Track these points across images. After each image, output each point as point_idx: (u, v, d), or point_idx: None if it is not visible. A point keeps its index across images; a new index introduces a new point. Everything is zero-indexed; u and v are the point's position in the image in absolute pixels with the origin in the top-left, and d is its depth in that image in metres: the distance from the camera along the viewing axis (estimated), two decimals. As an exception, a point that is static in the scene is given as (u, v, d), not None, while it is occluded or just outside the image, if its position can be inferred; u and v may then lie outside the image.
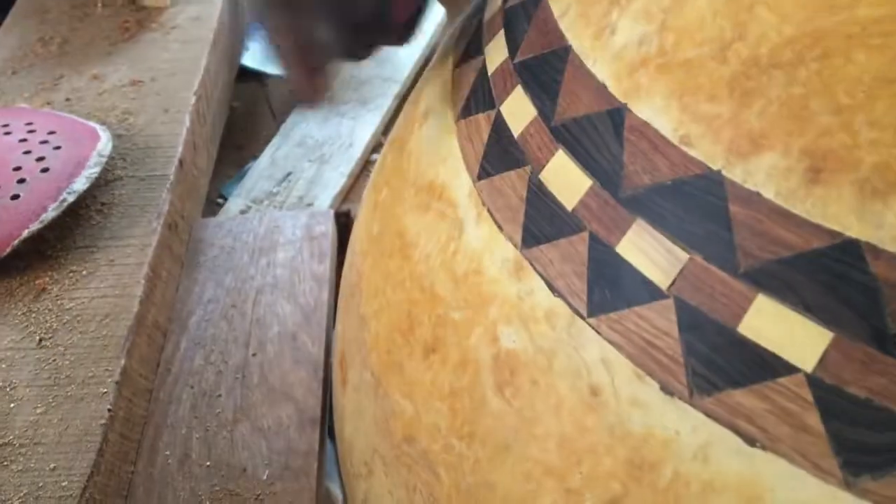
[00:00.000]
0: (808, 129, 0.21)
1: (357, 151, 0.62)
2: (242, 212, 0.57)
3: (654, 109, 0.24)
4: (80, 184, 0.45)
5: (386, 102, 0.67)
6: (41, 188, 0.45)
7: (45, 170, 0.46)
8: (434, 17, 0.77)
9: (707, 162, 0.22)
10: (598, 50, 0.27)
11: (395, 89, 0.68)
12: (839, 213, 0.20)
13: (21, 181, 0.45)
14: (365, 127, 0.64)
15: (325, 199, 0.58)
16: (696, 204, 0.22)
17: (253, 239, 0.51)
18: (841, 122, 0.21)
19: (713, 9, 0.24)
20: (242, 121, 0.68)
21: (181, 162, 0.50)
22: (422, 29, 0.74)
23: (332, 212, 0.52)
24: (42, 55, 0.58)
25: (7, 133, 0.48)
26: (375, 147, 0.64)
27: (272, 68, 0.74)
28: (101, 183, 0.48)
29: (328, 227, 0.50)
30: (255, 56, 0.75)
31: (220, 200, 0.59)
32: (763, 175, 0.21)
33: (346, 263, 0.42)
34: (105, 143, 0.48)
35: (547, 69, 0.28)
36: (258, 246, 0.50)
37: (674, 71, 0.24)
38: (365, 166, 0.62)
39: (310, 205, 0.58)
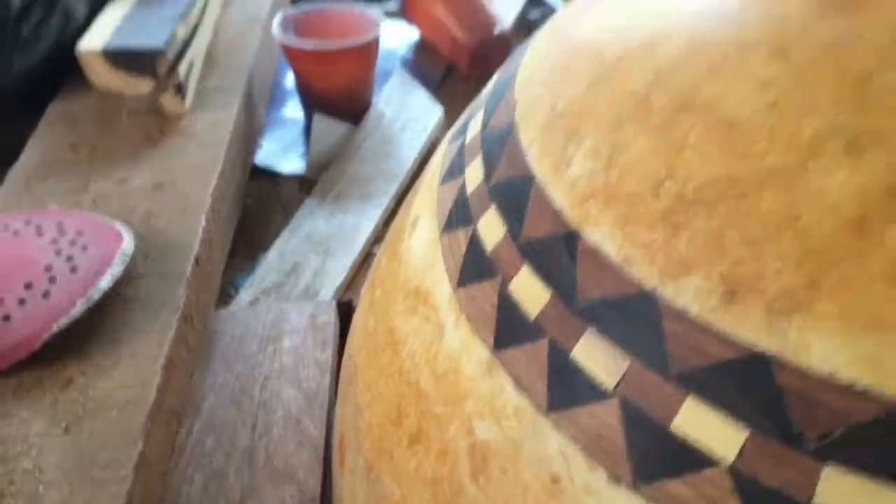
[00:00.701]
0: (725, 257, 0.24)
1: (359, 245, 0.65)
2: (252, 302, 0.60)
3: (601, 235, 0.28)
4: (106, 282, 0.49)
5: (387, 198, 0.71)
6: (70, 286, 0.48)
7: (73, 269, 0.49)
8: (433, 117, 0.81)
9: (644, 282, 0.26)
10: (556, 180, 0.30)
11: (395, 186, 0.72)
12: (751, 329, 0.23)
13: (52, 280, 0.48)
14: (367, 222, 0.68)
15: (329, 289, 0.61)
16: (636, 317, 0.26)
17: (261, 328, 0.54)
18: (752, 252, 0.24)
19: (650, 150, 0.27)
20: (255, 216, 0.71)
21: (197, 259, 0.54)
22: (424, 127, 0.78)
23: (334, 302, 0.55)
24: (72, 160, 0.62)
25: (39, 234, 0.52)
26: (376, 239, 0.68)
27: (282, 166, 0.79)
28: (124, 280, 0.51)
29: (330, 317, 0.54)
30: (268, 154, 0.80)
31: (232, 291, 0.63)
32: (689, 295, 0.25)
33: (346, 353, 0.46)
34: (128, 243, 0.52)
35: (515, 193, 0.32)
36: (266, 335, 0.53)
37: (618, 202, 0.28)
38: (366, 258, 0.66)
39: (315, 294, 0.61)
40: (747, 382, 0.23)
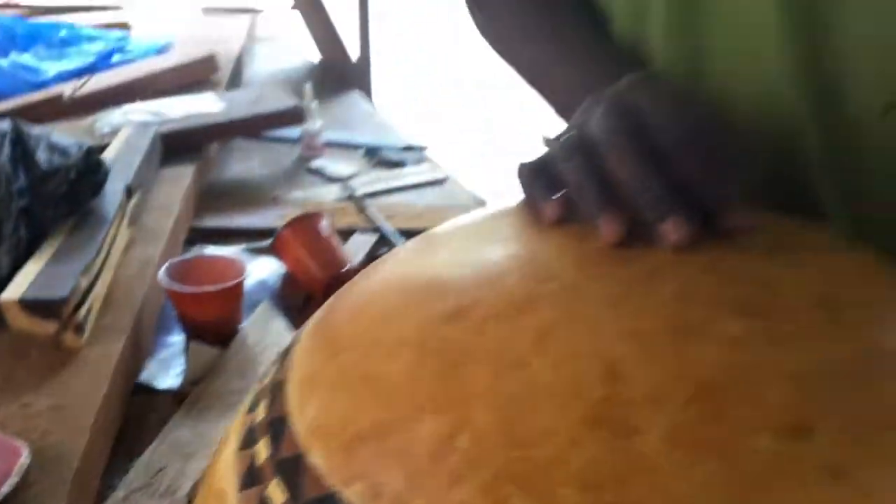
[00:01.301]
0: (373, 474, 0.39)
1: (213, 447, 0.78)
2: (124, 499, 0.71)
3: (316, 457, 0.42)
4: (5, 490, 0.60)
5: (242, 406, 0.84)
6: (-24, 494, 0.60)
7: (-20, 481, 0.61)
8: (282, 341, 0.97)
9: (333, 487, 0.40)
10: (299, 420, 0.45)
11: (250, 397, 0.86)
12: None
13: (-38, 489, 0.60)
14: (221, 427, 0.81)
15: (187, 486, 0.73)
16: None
17: (127, 523, 0.66)
18: (382, 468, 0.39)
19: (344, 405, 0.43)
20: (135, 425, 0.83)
21: (79, 470, 0.65)
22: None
23: (186, 499, 0.67)
24: (-14, 391, 0.74)
25: (-43, 454, 0.64)
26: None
27: (161, 383, 0.91)
28: (21, 486, 0.63)
29: (180, 512, 0.66)
30: (151, 373, 0.93)
31: (109, 491, 0.74)
32: (357, 496, 0.39)
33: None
34: (26, 458, 0.64)
35: (279, 427, 0.47)
36: (130, 527, 0.65)
37: (325, 436, 0.42)
38: (221, 458, 0.78)
39: (176, 491, 0.73)
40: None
